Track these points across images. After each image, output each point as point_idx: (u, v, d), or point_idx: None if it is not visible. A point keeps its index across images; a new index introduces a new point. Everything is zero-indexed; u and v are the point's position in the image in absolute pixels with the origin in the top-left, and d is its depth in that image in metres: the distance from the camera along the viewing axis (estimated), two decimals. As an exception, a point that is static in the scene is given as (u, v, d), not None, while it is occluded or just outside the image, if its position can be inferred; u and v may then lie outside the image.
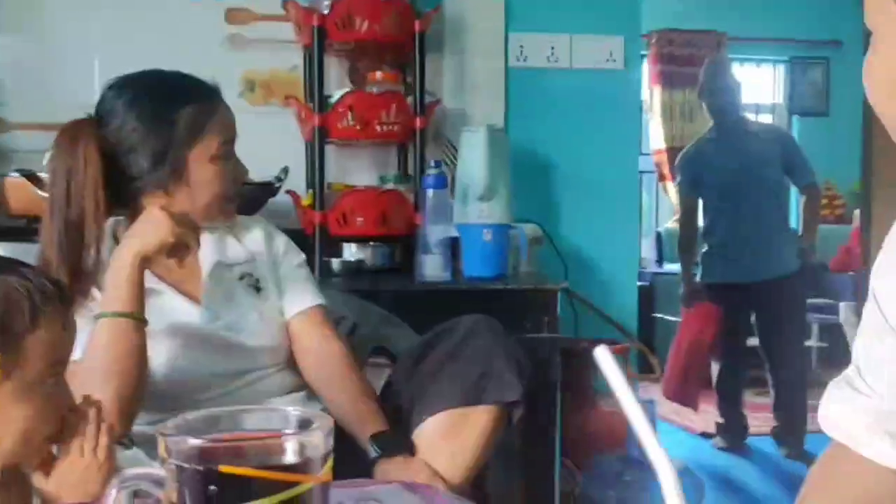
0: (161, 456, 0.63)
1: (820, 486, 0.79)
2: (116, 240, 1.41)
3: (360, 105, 2.42)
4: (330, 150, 2.57)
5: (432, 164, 2.31)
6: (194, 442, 0.63)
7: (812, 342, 5.22)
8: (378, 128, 2.43)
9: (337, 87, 2.61)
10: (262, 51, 2.76)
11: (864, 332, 0.74)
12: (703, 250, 3.75)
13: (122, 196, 1.41)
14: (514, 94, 2.92)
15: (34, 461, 0.98)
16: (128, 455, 1.24)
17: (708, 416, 4.03)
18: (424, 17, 2.52)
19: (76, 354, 1.08)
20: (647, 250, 5.99)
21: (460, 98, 2.86)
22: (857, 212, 4.77)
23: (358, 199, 2.44)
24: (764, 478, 3.54)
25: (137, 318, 1.29)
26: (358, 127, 2.42)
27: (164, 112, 1.40)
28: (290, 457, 0.64)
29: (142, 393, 1.29)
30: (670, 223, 5.97)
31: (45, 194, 1.42)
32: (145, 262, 1.30)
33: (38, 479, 0.99)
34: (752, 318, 3.75)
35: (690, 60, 5.93)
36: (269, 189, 2.37)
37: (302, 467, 0.63)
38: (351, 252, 2.50)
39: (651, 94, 6.17)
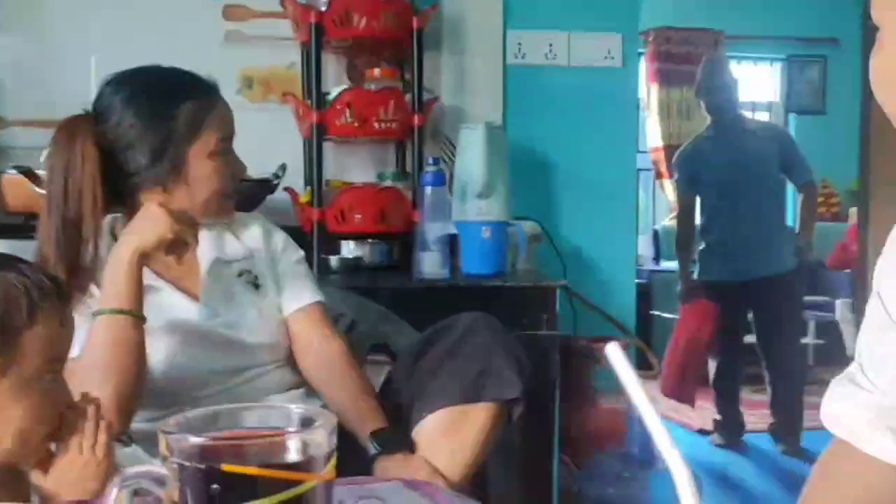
0: (163, 454, 0.62)
1: (822, 484, 0.79)
2: (114, 236, 1.41)
3: (359, 102, 2.42)
4: (328, 147, 2.56)
5: (430, 161, 2.31)
6: (196, 440, 0.62)
7: (809, 339, 5.23)
8: (376, 125, 2.43)
9: (335, 84, 2.60)
10: (260, 48, 2.76)
11: (866, 328, 0.74)
12: (701, 248, 3.76)
13: (119, 192, 1.41)
14: (513, 91, 2.92)
15: (32, 459, 0.97)
16: (126, 452, 1.24)
17: (705, 413, 4.04)
18: (422, 14, 2.52)
19: (74, 351, 1.07)
20: (645, 248, 5.99)
21: (458, 95, 2.86)
22: (853, 209, 4.78)
23: (356, 196, 2.43)
24: (761, 474, 3.55)
25: (136, 315, 1.28)
26: (356, 124, 2.42)
27: (163, 108, 1.39)
28: (293, 455, 0.63)
29: (140, 390, 1.29)
30: (667, 221, 5.97)
31: (43, 191, 1.41)
32: (143, 258, 1.30)
33: (36, 477, 0.98)
34: (749, 316, 3.76)
35: (688, 58, 5.93)
36: (267, 186, 2.36)
37: (305, 466, 0.63)
38: (349, 249, 2.49)
39: (648, 92, 6.16)
